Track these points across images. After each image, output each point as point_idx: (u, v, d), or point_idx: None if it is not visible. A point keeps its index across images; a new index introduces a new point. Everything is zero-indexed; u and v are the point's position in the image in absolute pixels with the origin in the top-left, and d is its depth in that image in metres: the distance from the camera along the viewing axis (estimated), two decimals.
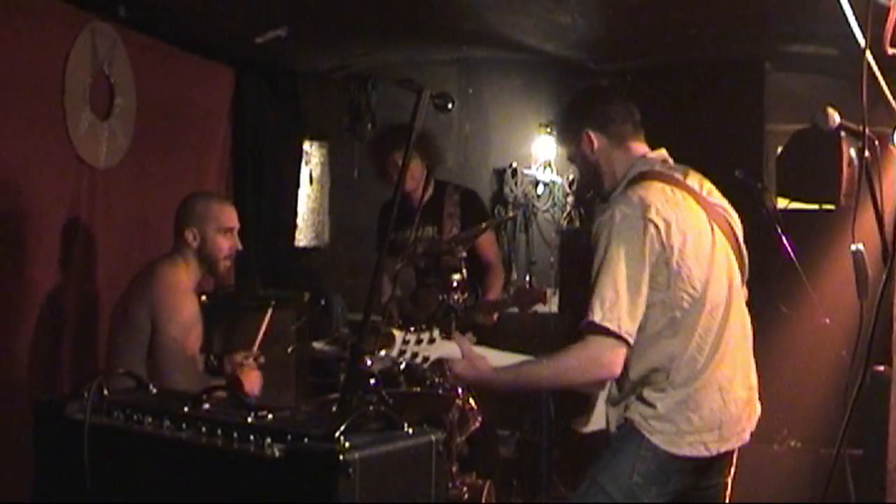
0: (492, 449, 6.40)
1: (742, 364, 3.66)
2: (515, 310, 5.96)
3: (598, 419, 3.70)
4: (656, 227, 3.46)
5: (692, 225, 3.53)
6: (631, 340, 3.43)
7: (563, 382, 3.63)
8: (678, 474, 3.54)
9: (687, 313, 3.52)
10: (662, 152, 3.78)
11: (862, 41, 3.13)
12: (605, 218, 3.54)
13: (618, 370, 3.46)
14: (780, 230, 5.13)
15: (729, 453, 3.66)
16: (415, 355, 3.52)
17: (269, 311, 5.16)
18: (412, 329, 3.54)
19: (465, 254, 4.92)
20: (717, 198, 3.73)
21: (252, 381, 4.79)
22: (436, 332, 3.58)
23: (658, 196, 3.54)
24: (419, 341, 3.52)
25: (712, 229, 3.58)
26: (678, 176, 3.65)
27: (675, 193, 3.57)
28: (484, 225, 5.74)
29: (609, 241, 3.46)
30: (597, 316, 3.38)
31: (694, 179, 3.70)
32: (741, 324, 3.67)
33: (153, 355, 4.58)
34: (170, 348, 4.56)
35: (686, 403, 3.53)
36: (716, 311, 3.55)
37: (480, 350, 3.64)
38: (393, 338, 3.49)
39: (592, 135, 3.72)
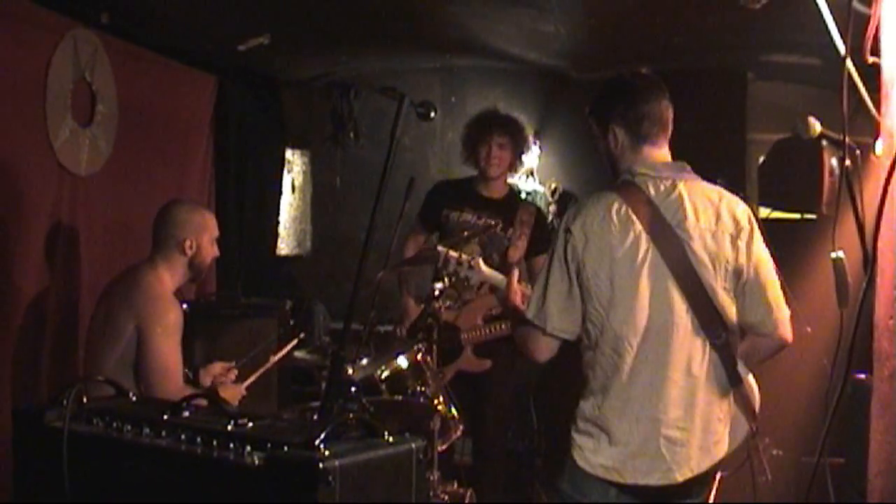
0: (496, 464, 6.38)
1: (679, 402, 3.53)
2: None
3: None
4: (575, 239, 3.55)
5: (616, 249, 3.50)
6: (560, 334, 3.63)
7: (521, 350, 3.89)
8: (599, 493, 3.55)
9: (597, 329, 3.56)
10: (664, 158, 3.67)
11: (842, 50, 3.14)
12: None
13: (542, 357, 3.71)
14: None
15: (682, 484, 3.55)
16: (456, 273, 4.46)
17: (292, 344, 5.18)
18: (455, 250, 4.51)
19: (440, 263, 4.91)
20: (705, 222, 3.55)
21: (231, 396, 4.77)
22: (477, 258, 4.47)
23: (594, 210, 3.56)
24: (460, 262, 4.43)
25: (646, 260, 3.49)
26: (648, 192, 3.56)
27: (619, 212, 3.53)
28: (466, 234, 5.75)
29: (552, 243, 3.69)
30: (529, 313, 3.67)
31: (680, 202, 3.55)
32: (683, 360, 3.53)
33: (139, 364, 4.57)
34: (158, 359, 4.55)
35: (601, 420, 3.54)
36: (632, 340, 3.50)
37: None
38: (438, 253, 4.52)
39: (618, 131, 3.67)
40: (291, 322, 5.48)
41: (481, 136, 6.05)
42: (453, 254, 4.66)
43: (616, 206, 3.55)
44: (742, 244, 3.57)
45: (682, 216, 3.53)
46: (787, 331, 3.66)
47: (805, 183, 4.86)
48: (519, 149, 6.16)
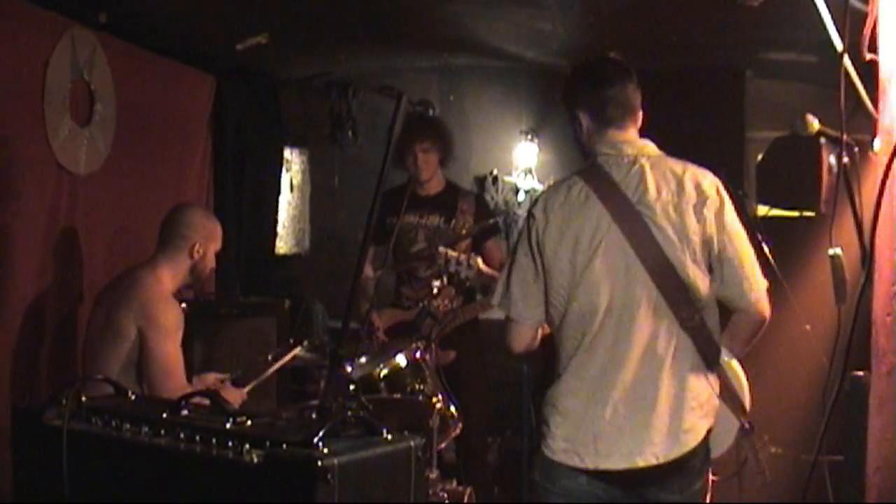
0: (481, 458, 6.41)
1: (639, 383, 3.46)
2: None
3: None
4: (537, 223, 3.59)
5: (576, 229, 3.51)
6: (526, 320, 3.67)
7: None
8: (568, 479, 3.52)
9: (560, 311, 3.56)
10: (628, 139, 3.66)
11: (840, 47, 3.15)
12: None
13: (515, 346, 3.75)
14: (760, 237, 5.13)
15: (649, 472, 3.48)
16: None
17: (296, 350, 5.16)
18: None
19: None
20: (667, 194, 3.50)
21: (233, 400, 4.76)
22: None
23: (556, 194, 3.61)
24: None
25: (606, 238, 3.47)
26: (610, 171, 3.56)
27: (579, 194, 3.54)
28: (464, 231, 5.76)
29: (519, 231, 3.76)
30: (494, 299, 3.74)
31: (641, 177, 3.53)
32: (646, 339, 3.48)
33: (141, 365, 4.57)
34: (159, 360, 4.56)
35: (558, 401, 3.53)
36: (593, 319, 3.48)
37: None
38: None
39: (582, 116, 3.69)
40: (291, 322, 5.47)
41: (404, 145, 6.12)
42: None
43: (577, 187, 3.57)
44: (709, 214, 3.50)
45: (643, 190, 3.50)
46: (764, 305, 3.59)
47: (803, 181, 4.85)
48: (444, 145, 6.26)
